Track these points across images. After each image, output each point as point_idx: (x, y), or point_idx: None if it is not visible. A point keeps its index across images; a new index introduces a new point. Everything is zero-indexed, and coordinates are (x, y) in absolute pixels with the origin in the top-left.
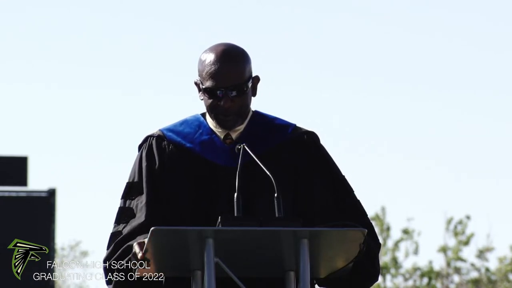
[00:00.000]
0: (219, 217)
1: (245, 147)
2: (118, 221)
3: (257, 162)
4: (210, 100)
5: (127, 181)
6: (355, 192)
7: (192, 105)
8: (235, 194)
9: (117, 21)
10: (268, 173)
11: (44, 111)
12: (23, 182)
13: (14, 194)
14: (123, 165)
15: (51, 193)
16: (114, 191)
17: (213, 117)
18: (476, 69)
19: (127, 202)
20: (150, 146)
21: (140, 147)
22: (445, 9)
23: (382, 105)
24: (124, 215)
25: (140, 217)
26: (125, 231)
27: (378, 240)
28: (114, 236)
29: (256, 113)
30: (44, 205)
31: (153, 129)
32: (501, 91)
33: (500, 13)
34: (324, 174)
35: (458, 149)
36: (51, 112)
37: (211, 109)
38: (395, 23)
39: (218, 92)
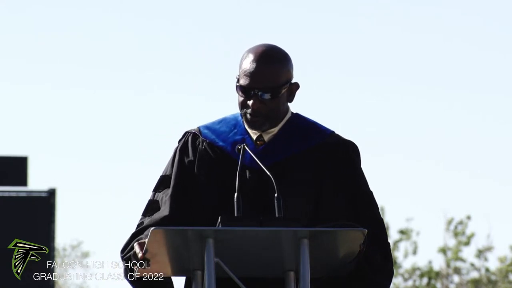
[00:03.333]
0: (219, 217)
1: (245, 147)
2: (144, 213)
3: (288, 163)
4: (242, 98)
5: (161, 174)
6: (379, 209)
7: (194, 106)
8: (235, 194)
9: (116, 20)
10: (269, 173)
11: (44, 111)
12: (23, 182)
13: (14, 194)
14: (123, 165)
15: (51, 193)
16: (114, 191)
17: (242, 115)
18: (476, 69)
19: (156, 194)
20: (186, 142)
21: (179, 141)
22: (445, 8)
23: (381, 104)
24: (150, 207)
25: (163, 210)
26: (146, 222)
27: (390, 258)
28: (137, 227)
29: (296, 116)
30: (44, 205)
31: (153, 129)
32: (501, 91)
33: (501, 13)
34: (350, 185)
35: (458, 149)
36: (51, 112)
37: (241, 106)
38: (395, 23)
39: (251, 92)
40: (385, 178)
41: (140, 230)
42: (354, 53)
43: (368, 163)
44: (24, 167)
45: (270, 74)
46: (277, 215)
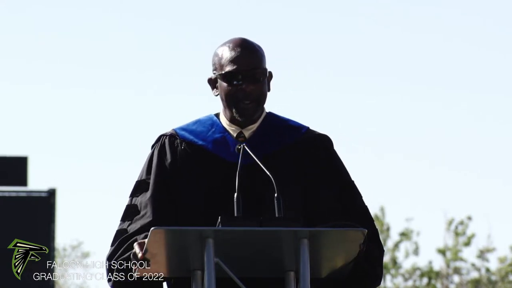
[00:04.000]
0: (219, 217)
1: (245, 146)
2: (123, 218)
3: (269, 160)
4: (230, 88)
5: (136, 179)
6: (363, 198)
7: (194, 106)
8: (235, 194)
9: (116, 20)
10: (268, 173)
11: (44, 111)
12: (23, 182)
13: (14, 194)
14: (123, 165)
15: (51, 193)
16: (114, 191)
17: (233, 106)
18: (476, 69)
19: (133, 199)
20: (163, 145)
21: (153, 146)
22: (445, 8)
23: (381, 105)
24: (129, 212)
25: (147, 216)
26: (131, 229)
27: (381, 246)
28: (119, 233)
29: (270, 114)
30: (44, 205)
31: (152, 129)
32: (501, 91)
33: (501, 13)
34: (332, 178)
35: (458, 149)
36: (51, 112)
37: (230, 97)
38: (395, 23)
39: (239, 76)
40: (385, 178)
41: (126, 237)
42: (354, 53)
43: (368, 163)
44: (24, 167)
45: (254, 57)
46: (276, 215)
